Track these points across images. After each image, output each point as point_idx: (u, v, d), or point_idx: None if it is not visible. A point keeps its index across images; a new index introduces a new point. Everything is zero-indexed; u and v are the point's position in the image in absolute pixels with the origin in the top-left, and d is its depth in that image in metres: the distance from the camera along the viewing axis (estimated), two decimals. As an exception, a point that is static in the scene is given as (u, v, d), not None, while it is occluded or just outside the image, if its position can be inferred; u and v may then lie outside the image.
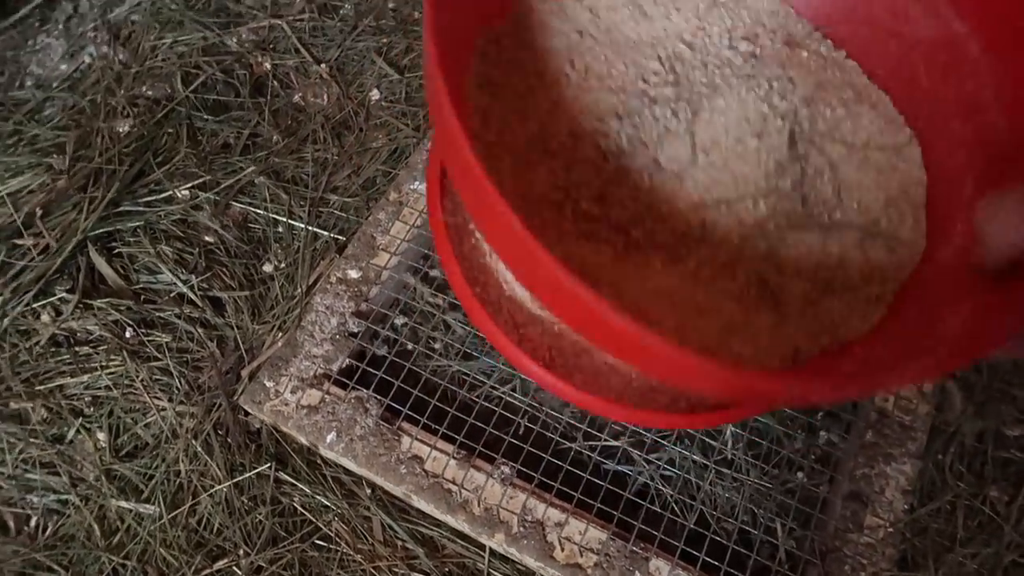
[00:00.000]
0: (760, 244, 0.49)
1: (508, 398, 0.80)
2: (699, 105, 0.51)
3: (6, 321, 0.78)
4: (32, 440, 0.75)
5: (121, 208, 0.86)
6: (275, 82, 1.00)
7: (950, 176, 0.51)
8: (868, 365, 0.46)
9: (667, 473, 0.76)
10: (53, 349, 0.79)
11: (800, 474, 0.76)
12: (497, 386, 0.81)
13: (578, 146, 0.49)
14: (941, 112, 0.53)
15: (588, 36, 0.54)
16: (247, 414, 0.79)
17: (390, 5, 1.10)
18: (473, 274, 0.57)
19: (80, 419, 0.76)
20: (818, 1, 0.59)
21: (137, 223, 0.85)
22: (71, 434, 0.76)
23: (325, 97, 1.00)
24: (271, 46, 1.04)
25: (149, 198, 0.87)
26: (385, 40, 1.05)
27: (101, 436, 0.76)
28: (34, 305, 0.79)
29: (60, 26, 1.07)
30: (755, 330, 0.47)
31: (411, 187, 0.92)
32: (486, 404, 0.78)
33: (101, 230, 0.84)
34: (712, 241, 0.48)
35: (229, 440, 0.77)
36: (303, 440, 0.76)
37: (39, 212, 0.82)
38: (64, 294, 0.80)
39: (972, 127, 0.50)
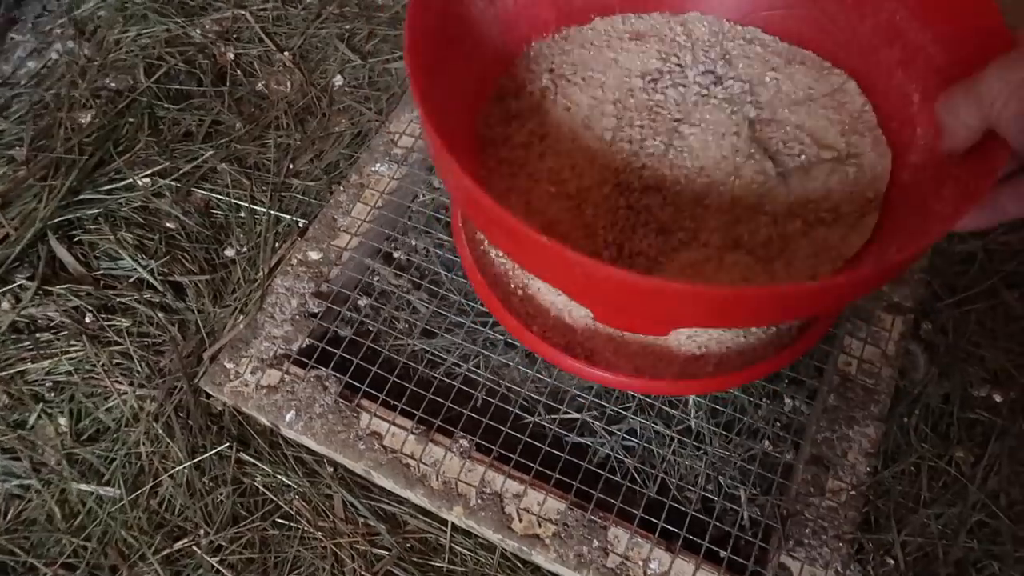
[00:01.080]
0: (750, 204, 0.58)
1: (469, 373, 0.79)
2: (678, 119, 0.62)
3: (-34, 310, 0.79)
4: (-7, 426, 0.76)
5: (81, 196, 0.86)
6: (238, 71, 1.01)
7: (896, 95, 0.58)
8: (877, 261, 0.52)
9: (628, 443, 0.76)
10: (13, 336, 0.79)
11: (766, 442, 0.76)
12: (459, 363, 0.81)
13: (592, 166, 0.60)
14: (867, 46, 0.61)
15: (569, 89, 0.66)
16: (208, 396, 0.79)
17: (354, -8, 1.10)
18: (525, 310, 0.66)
19: (41, 404, 0.77)
20: (737, 5, 0.69)
21: (97, 211, 0.85)
22: (32, 419, 0.76)
23: (288, 84, 1.00)
24: (235, 36, 1.04)
25: (109, 186, 0.87)
26: (348, 27, 1.05)
27: (62, 421, 0.76)
28: (-6, 293, 0.80)
29: (29, 24, 1.08)
30: (771, 272, 0.55)
31: (373, 169, 0.92)
32: (446, 380, 0.78)
33: (61, 218, 0.84)
34: (711, 219, 0.57)
35: (190, 422, 0.77)
36: (264, 420, 0.76)
37: (1, 204, 0.83)
38: (24, 281, 0.80)
39: (898, 50, 0.58)
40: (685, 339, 0.62)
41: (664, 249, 0.57)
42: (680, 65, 0.67)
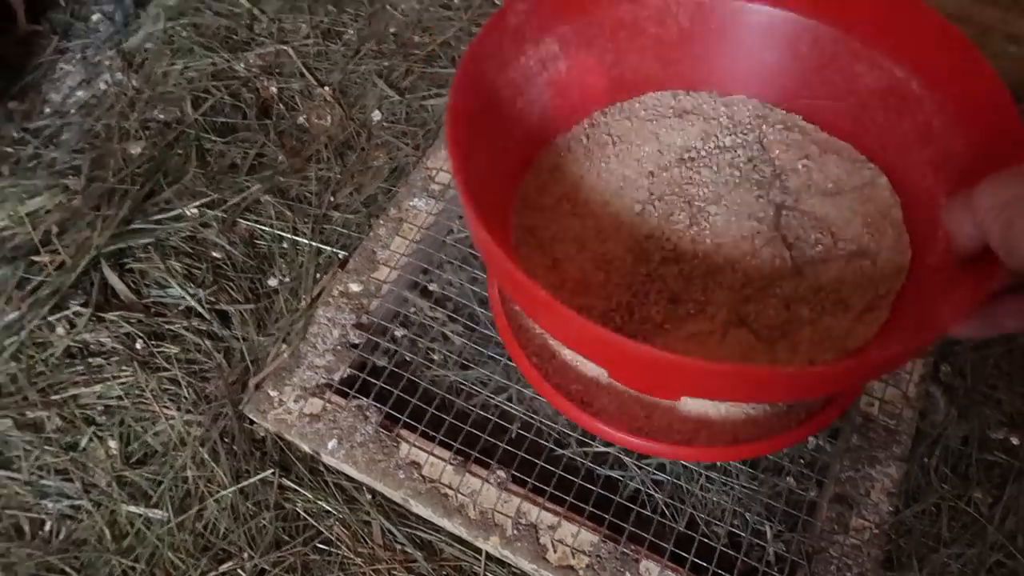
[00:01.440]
0: (761, 287, 0.59)
1: (504, 406, 0.82)
2: (706, 199, 0.64)
3: (23, 334, 0.82)
4: (47, 448, 0.78)
5: (133, 226, 0.89)
6: (281, 105, 1.05)
7: (925, 196, 0.60)
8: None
9: (658, 478, 0.78)
10: (68, 360, 0.82)
11: (790, 479, 0.78)
12: (493, 395, 0.84)
13: (617, 236, 0.63)
14: (903, 145, 0.64)
15: (607, 158, 0.69)
16: (252, 423, 0.82)
17: (391, 30, 1.14)
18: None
19: (93, 427, 0.80)
20: (782, 87, 0.71)
21: (148, 240, 0.89)
22: (84, 442, 0.79)
23: (328, 118, 1.04)
24: (277, 70, 1.08)
25: (159, 216, 0.91)
26: (386, 63, 1.09)
27: (112, 444, 0.79)
28: (50, 318, 0.83)
29: (78, 55, 1.12)
30: (773, 353, 0.56)
31: (410, 203, 0.95)
32: (482, 412, 0.81)
33: (114, 247, 0.88)
34: (721, 295, 0.59)
35: (235, 448, 0.80)
36: (305, 447, 0.79)
37: (55, 230, 0.86)
38: (78, 308, 0.83)
39: (931, 152, 0.59)
40: (688, 405, 0.63)
41: (671, 317, 0.60)
42: (718, 147, 0.70)
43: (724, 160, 0.68)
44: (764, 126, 0.71)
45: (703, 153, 0.69)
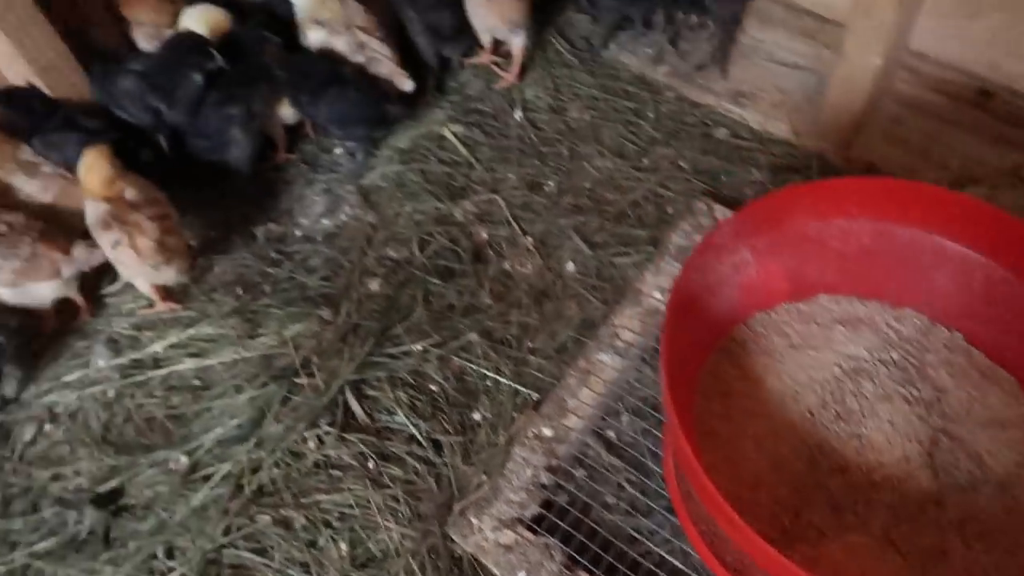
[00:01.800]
0: (915, 509, 0.65)
1: (669, 560, 0.93)
2: (871, 413, 0.70)
3: (285, 444, 1.01)
4: (294, 543, 0.97)
5: (372, 358, 1.08)
6: (490, 251, 1.22)
7: None
8: None
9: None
10: (315, 470, 1.01)
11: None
12: (659, 547, 0.95)
13: (786, 443, 0.70)
14: None
15: (783, 359, 0.76)
16: (453, 542, 0.97)
17: (586, 185, 1.29)
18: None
19: (329, 530, 0.97)
20: (950, 309, 0.76)
21: (382, 372, 1.07)
22: (322, 541, 0.97)
23: (529, 266, 1.20)
24: (488, 218, 1.26)
25: (392, 350, 1.09)
26: (581, 218, 1.25)
27: (343, 546, 0.97)
28: (304, 434, 1.03)
29: (323, 185, 1.34)
30: None
31: (598, 357, 1.09)
32: (652, 566, 0.92)
33: (356, 376, 1.07)
34: (879, 511, 0.65)
35: (439, 564, 0.95)
36: (498, 573, 0.94)
37: (315, 359, 1.06)
38: (327, 427, 1.02)
39: None
40: None
41: (833, 526, 0.68)
42: (883, 361, 0.78)
43: (889, 375, 0.76)
44: (929, 345, 0.78)
45: (870, 366, 0.78)
